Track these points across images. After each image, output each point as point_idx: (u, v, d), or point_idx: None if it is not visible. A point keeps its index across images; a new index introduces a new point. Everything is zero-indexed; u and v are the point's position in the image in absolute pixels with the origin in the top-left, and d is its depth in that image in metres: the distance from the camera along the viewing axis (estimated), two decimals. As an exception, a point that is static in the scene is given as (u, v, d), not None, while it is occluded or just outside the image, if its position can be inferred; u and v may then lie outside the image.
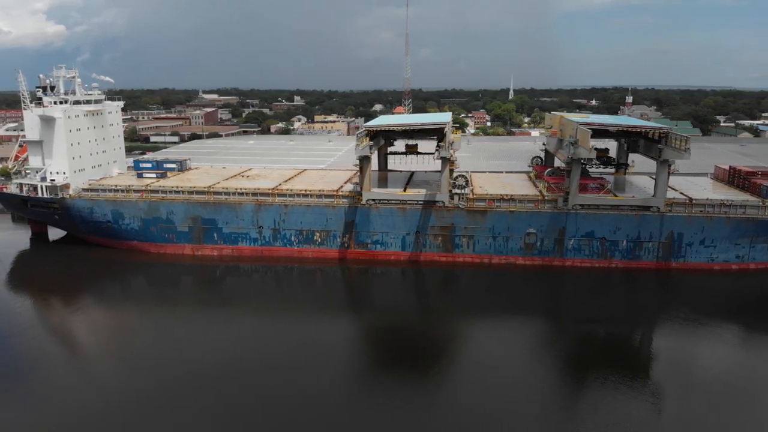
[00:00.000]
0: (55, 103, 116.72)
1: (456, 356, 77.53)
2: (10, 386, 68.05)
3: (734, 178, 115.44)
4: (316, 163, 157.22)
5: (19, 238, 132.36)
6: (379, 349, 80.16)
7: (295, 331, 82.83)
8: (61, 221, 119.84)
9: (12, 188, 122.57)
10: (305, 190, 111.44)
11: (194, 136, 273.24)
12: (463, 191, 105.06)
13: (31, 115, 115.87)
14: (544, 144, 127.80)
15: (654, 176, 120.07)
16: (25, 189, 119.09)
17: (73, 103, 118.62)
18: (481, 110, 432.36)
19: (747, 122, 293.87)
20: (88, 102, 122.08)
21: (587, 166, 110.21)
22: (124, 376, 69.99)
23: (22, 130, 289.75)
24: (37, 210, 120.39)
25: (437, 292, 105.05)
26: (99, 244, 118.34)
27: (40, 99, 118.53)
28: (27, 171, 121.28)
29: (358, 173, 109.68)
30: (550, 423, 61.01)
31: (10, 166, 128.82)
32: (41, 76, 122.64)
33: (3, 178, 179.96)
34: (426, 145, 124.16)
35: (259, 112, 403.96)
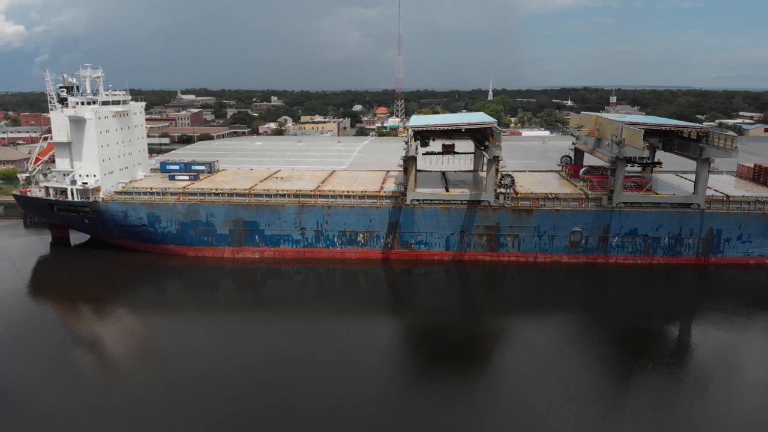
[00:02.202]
0: (82, 103, 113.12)
1: (505, 357, 77.89)
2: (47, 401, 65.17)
3: (759, 175, 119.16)
4: (333, 164, 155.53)
5: (37, 243, 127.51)
6: (425, 350, 79.60)
7: (340, 332, 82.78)
8: (91, 225, 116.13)
9: (36, 191, 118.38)
10: (348, 191, 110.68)
11: (186, 138, 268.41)
12: (508, 190, 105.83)
13: (60, 116, 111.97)
14: (573, 143, 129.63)
15: (679, 174, 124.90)
16: (52, 192, 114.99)
17: (102, 104, 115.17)
18: (463, 111, 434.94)
19: (729, 121, 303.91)
20: (116, 102, 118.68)
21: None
22: (162, 385, 68.40)
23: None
24: (64, 214, 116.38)
25: (485, 291, 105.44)
26: (132, 248, 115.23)
27: (65, 99, 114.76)
28: (53, 174, 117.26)
29: (402, 174, 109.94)
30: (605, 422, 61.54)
31: (30, 169, 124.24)
32: (65, 75, 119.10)
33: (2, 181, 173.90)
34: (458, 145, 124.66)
35: (245, 112, 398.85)
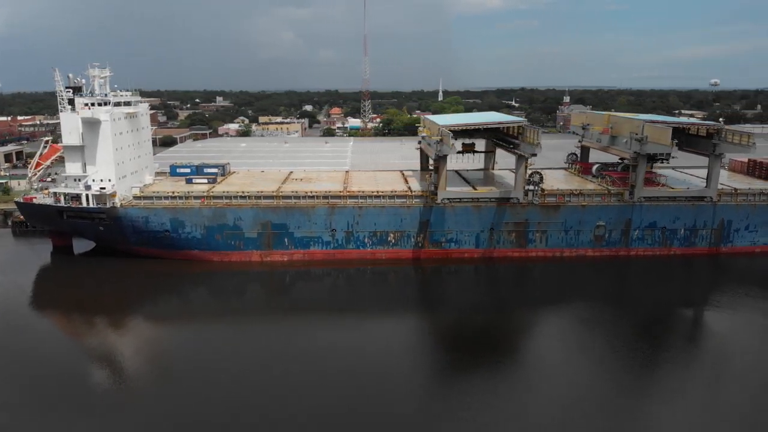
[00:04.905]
0: (93, 104, 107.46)
1: (538, 351, 79.92)
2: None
3: (754, 169, 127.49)
4: (333, 164, 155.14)
5: (32, 254, 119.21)
6: (459, 348, 79.94)
7: (373, 333, 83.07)
8: (106, 232, 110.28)
9: (42, 198, 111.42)
10: (378, 192, 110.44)
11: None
12: (536, 187, 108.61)
13: (72, 118, 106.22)
14: (580, 141, 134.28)
15: (679, 170, 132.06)
16: (63, 199, 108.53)
17: (114, 105, 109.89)
18: (417, 111, 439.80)
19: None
20: (127, 104, 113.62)
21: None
22: (191, 398, 66.31)
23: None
24: (75, 221, 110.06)
25: (517, 286, 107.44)
26: (150, 255, 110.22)
27: (72, 101, 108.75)
28: (63, 179, 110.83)
29: (419, 173, 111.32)
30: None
31: (30, 174, 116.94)
32: (70, 75, 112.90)
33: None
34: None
35: (201, 114, 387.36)
